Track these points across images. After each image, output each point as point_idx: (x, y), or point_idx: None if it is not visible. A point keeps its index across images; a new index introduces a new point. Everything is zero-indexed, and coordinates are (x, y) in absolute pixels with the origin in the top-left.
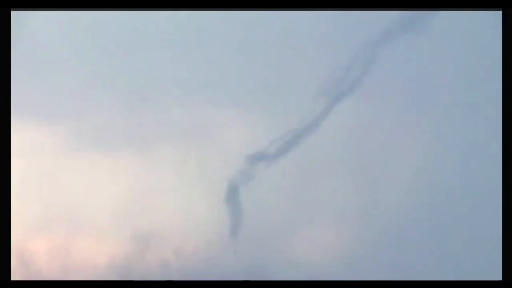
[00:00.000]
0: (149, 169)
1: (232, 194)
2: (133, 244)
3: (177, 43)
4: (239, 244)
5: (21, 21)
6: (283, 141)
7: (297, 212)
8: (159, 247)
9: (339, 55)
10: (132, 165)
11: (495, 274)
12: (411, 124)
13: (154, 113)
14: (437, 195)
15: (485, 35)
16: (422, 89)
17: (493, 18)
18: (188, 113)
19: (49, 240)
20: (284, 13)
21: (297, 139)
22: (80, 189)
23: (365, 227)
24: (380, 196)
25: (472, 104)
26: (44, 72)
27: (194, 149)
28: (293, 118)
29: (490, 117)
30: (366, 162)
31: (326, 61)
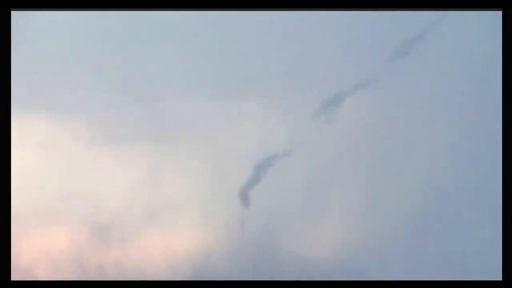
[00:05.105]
0: (160, 163)
1: (245, 190)
2: (126, 243)
3: (187, 39)
4: (247, 243)
5: (21, 21)
6: (296, 136)
7: (305, 208)
8: (163, 243)
9: (358, 52)
10: (143, 158)
11: (495, 274)
12: (420, 123)
13: (166, 108)
14: (438, 195)
15: (485, 35)
16: (422, 88)
17: (493, 18)
18: (199, 107)
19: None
20: (290, 13)
21: (311, 133)
22: (89, 182)
23: (366, 227)
24: (383, 196)
25: (472, 104)
26: (45, 71)
27: (208, 143)
28: (307, 112)
29: (490, 117)
30: (378, 160)
31: (344, 57)
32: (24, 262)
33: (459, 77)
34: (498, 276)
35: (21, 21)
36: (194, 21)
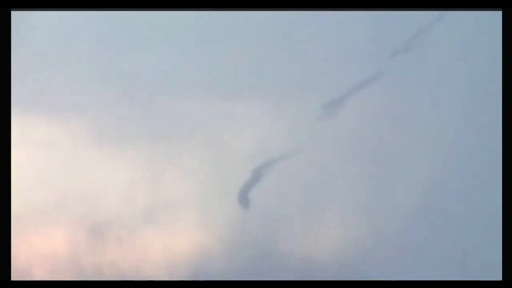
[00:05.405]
0: (160, 163)
1: (245, 190)
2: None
3: (187, 39)
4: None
5: (21, 21)
6: (297, 136)
7: (306, 208)
8: (162, 243)
9: (359, 52)
10: (143, 158)
11: (495, 274)
12: (420, 123)
13: (166, 108)
14: (438, 195)
15: (485, 35)
16: (421, 89)
17: (493, 18)
18: (199, 107)
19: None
20: (291, 13)
21: (312, 133)
22: (89, 182)
23: (366, 226)
24: (384, 196)
25: (472, 104)
26: (45, 72)
27: (208, 143)
28: (308, 113)
29: (490, 117)
30: (379, 160)
31: (345, 56)
32: (24, 262)
33: (459, 77)
34: (498, 276)
35: (21, 21)
36: (194, 21)
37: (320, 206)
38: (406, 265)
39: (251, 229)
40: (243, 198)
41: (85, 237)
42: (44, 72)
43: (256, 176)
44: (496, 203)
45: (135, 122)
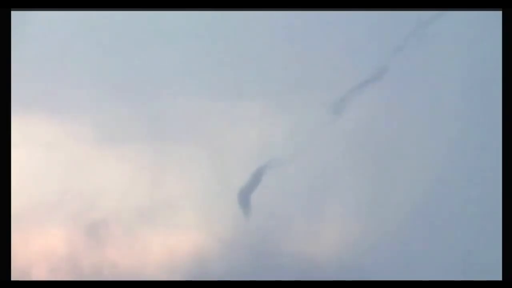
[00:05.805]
0: (160, 163)
1: (245, 190)
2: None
3: (187, 39)
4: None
5: (21, 21)
6: (298, 137)
7: (307, 208)
8: (162, 243)
9: (360, 53)
10: (143, 158)
11: (495, 274)
12: (420, 123)
13: (166, 108)
14: (438, 195)
15: (485, 35)
16: (421, 89)
17: (493, 18)
18: (199, 107)
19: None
20: (291, 13)
21: (313, 134)
22: (89, 182)
23: (366, 227)
24: (384, 196)
25: (472, 105)
26: (45, 72)
27: (208, 143)
28: (309, 114)
29: (490, 117)
30: (379, 161)
31: (347, 57)
32: (23, 262)
33: (459, 77)
34: (498, 276)
35: (21, 21)
36: (194, 21)
37: (320, 206)
38: (406, 265)
39: (251, 229)
40: (243, 199)
41: (84, 237)
42: (44, 72)
43: (257, 176)
44: (496, 203)
45: (135, 122)
